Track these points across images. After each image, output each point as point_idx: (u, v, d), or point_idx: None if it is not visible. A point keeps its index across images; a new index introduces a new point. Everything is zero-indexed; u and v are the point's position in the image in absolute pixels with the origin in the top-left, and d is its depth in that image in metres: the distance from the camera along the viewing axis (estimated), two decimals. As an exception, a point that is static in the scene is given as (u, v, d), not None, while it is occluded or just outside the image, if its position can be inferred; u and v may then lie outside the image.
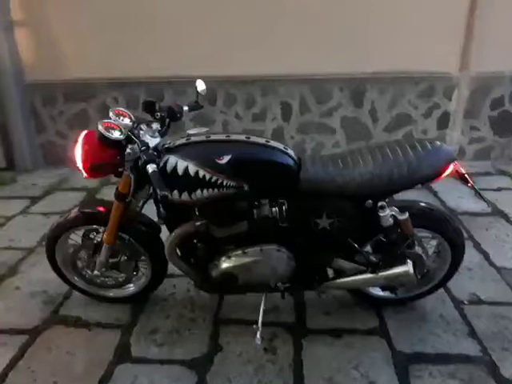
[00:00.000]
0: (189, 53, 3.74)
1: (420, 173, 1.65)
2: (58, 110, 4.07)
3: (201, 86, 1.92)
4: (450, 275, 2.01)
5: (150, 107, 1.76)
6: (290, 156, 1.68)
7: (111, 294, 2.11)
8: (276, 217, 1.71)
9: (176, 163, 1.60)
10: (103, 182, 3.58)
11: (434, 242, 1.99)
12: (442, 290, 2.14)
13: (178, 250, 1.83)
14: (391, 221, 1.71)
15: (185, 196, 1.61)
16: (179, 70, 3.75)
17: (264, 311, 1.87)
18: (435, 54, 3.69)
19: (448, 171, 1.68)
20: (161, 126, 1.75)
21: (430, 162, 1.66)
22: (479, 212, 3.08)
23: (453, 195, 3.32)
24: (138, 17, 3.70)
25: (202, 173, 1.58)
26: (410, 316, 2.05)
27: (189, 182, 1.60)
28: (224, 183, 1.59)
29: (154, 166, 1.46)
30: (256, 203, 1.72)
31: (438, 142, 1.73)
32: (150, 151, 1.54)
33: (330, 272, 1.93)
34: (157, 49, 3.77)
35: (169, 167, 1.60)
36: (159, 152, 1.64)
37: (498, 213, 3.06)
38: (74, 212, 1.91)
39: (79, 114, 4.03)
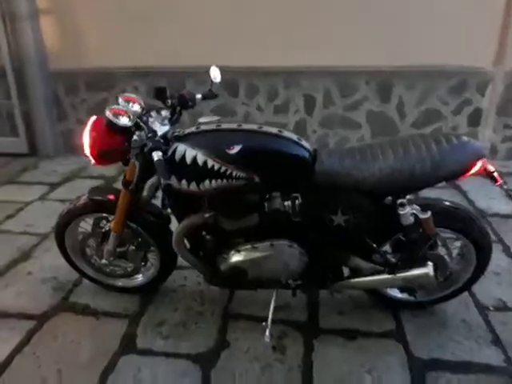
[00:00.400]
0: (212, 42, 3.68)
1: (444, 169, 1.53)
2: (80, 99, 4.09)
3: (215, 73, 1.85)
4: (474, 279, 1.88)
5: (160, 94, 1.70)
6: (303, 147, 1.59)
7: (120, 283, 2.09)
8: (288, 211, 1.63)
9: (185, 152, 1.54)
10: (120, 170, 3.56)
11: (458, 243, 1.87)
12: (465, 294, 2.01)
13: (186, 242, 1.78)
14: (412, 220, 1.60)
15: (193, 186, 1.55)
16: (201, 60, 3.63)
17: (275, 308, 1.80)
18: (469, 48, 3.51)
19: (475, 168, 1.55)
20: (171, 114, 1.70)
21: (455, 157, 1.54)
22: (511, 214, 2.91)
23: (483, 195, 3.14)
24: (161, 6, 3.66)
25: (210, 163, 1.51)
26: (430, 320, 1.94)
27: (197, 172, 1.53)
28: (233, 174, 1.52)
29: (160, 153, 1.40)
30: (267, 196, 1.64)
31: (466, 137, 1.61)
32: (157, 138, 1.49)
33: (346, 270, 1.83)
34: (179, 38, 3.72)
35: (177, 156, 1.54)
36: (168, 140, 1.59)
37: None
38: (84, 199, 1.88)
39: (100, 103, 4.03)
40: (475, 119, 3.82)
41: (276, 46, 3.64)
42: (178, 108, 1.73)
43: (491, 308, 2.02)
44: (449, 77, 3.70)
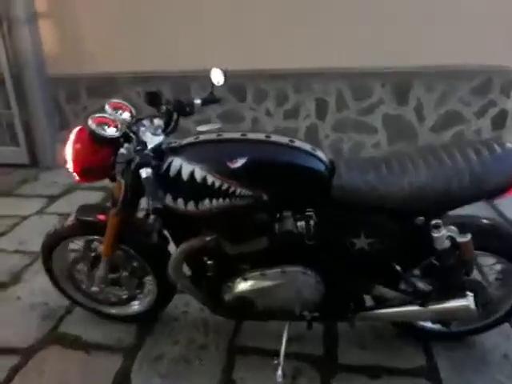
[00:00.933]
0: (216, 45, 3.47)
1: (487, 183, 1.29)
2: (81, 106, 3.92)
3: (217, 75, 1.64)
4: (517, 308, 1.63)
5: (153, 100, 1.49)
6: (319, 159, 1.37)
7: (114, 311, 1.87)
8: (302, 233, 1.40)
9: (181, 166, 1.32)
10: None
11: (497, 267, 1.62)
12: (505, 325, 1.76)
13: (185, 269, 1.56)
14: (448, 244, 1.36)
15: (191, 206, 1.34)
16: (206, 64, 3.45)
17: (287, 341, 1.58)
18: (492, 46, 3.25)
19: (524, 182, 1.31)
20: (167, 123, 1.49)
21: (499, 169, 1.30)
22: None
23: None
24: (162, 9, 3.48)
25: (210, 179, 1.29)
26: (466, 355, 1.69)
27: (195, 190, 1.32)
28: (237, 192, 1.30)
29: (150, 170, 1.20)
30: (277, 216, 1.42)
31: (509, 144, 1.37)
32: (147, 152, 1.28)
33: (368, 299, 1.60)
34: (181, 41, 3.54)
35: (172, 171, 1.33)
36: (162, 153, 1.38)
37: None
38: (71, 220, 1.67)
39: (102, 110, 3.84)
40: (500, 122, 3.55)
41: (284, 47, 3.42)
42: (175, 115, 1.52)
43: (534, 338, 1.77)
44: (471, 77, 3.45)
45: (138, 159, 1.25)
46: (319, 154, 1.39)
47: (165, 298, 1.79)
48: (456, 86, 3.48)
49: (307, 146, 1.38)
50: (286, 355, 1.55)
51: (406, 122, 3.61)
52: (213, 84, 1.65)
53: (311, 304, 1.53)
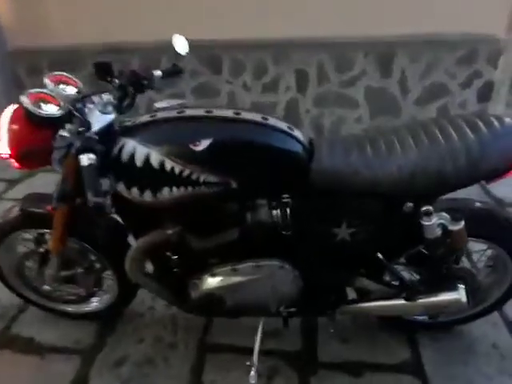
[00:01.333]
0: (190, 13, 3.20)
1: (485, 164, 1.14)
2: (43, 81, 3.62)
3: (180, 43, 1.43)
4: (508, 296, 1.52)
5: (103, 72, 1.28)
6: (296, 139, 1.19)
7: (70, 309, 1.69)
8: (277, 222, 1.24)
9: (134, 150, 1.13)
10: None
11: (488, 253, 1.50)
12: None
13: (145, 265, 1.39)
14: (439, 232, 1.22)
15: (148, 196, 1.15)
16: (179, 33, 3.23)
17: (263, 337, 1.44)
18: (478, 13, 3.06)
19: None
20: (121, 99, 1.28)
21: (499, 147, 1.15)
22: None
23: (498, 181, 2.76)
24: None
25: (169, 164, 1.11)
26: (453, 346, 1.58)
27: (151, 177, 1.14)
28: (201, 179, 1.12)
29: (92, 156, 1.00)
30: (250, 204, 1.25)
31: (509, 119, 1.22)
32: (89, 134, 1.08)
33: (351, 291, 1.46)
34: (153, 9, 3.25)
35: (125, 155, 1.14)
36: (114, 134, 1.18)
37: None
38: (15, 211, 1.47)
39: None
40: (486, 93, 3.41)
41: (261, 15, 3.17)
42: (131, 90, 1.31)
43: (526, 326, 1.68)
44: (456, 46, 3.28)
45: (78, 143, 1.05)
46: (296, 133, 1.21)
47: (128, 294, 1.62)
48: (441, 56, 3.31)
49: (283, 125, 1.20)
50: (261, 353, 1.42)
51: (389, 95, 3.44)
52: (176, 53, 1.45)
53: (288, 299, 1.38)
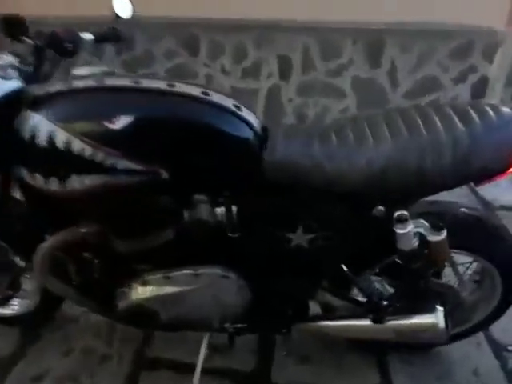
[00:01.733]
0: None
1: (476, 161, 0.91)
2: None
3: (122, 4, 1.20)
4: (496, 315, 1.31)
5: (13, 28, 1.03)
6: (245, 121, 0.96)
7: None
8: (221, 222, 1.01)
9: (38, 126, 0.89)
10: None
11: (474, 266, 1.29)
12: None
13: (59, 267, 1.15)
14: (415, 243, 1.00)
15: (54, 184, 0.92)
16: (154, 11, 2.96)
17: (209, 353, 1.23)
18: (476, 3, 2.85)
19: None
20: (37, 64, 1.03)
21: (493, 142, 0.93)
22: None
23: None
24: None
25: (77, 145, 0.87)
26: (429, 372, 1.38)
27: (57, 161, 0.90)
28: (120, 165, 0.89)
29: None
30: (187, 200, 1.02)
31: (507, 109, 1.00)
32: None
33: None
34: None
35: (27, 132, 0.90)
36: (18, 105, 0.94)
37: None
38: None
39: None
40: (480, 89, 3.20)
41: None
42: (48, 54, 1.06)
43: (511, 348, 1.47)
44: (451, 36, 3.06)
45: None
46: (245, 113, 0.98)
47: (53, 299, 1.38)
48: (434, 47, 3.09)
49: (228, 102, 0.96)
50: (206, 372, 1.21)
51: (377, 86, 3.22)
52: (116, 15, 1.21)
53: (233, 314, 1.15)
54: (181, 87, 0.94)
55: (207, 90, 0.96)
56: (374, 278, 1.18)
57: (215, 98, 0.95)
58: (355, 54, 3.16)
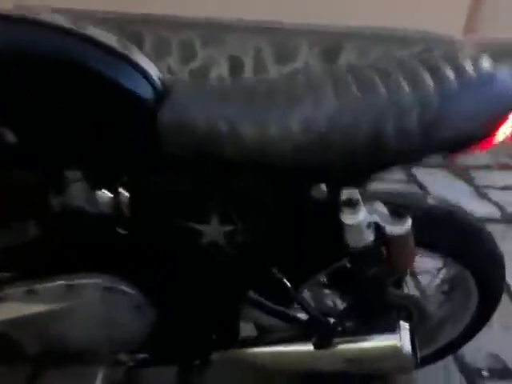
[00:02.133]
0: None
1: (447, 126, 0.67)
2: None
3: None
4: (469, 334, 1.07)
5: None
6: (136, 68, 0.69)
7: None
8: (106, 214, 0.72)
9: None
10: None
11: (444, 273, 1.06)
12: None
13: None
14: (370, 236, 0.74)
15: None
16: (92, 5, 2.70)
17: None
18: (435, 10, 2.79)
19: (507, 128, 0.72)
20: None
21: (470, 103, 0.69)
22: (486, 217, 2.17)
23: (448, 191, 2.37)
24: None
25: None
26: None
27: None
28: None
29: None
30: (55, 179, 0.72)
31: (487, 63, 0.78)
32: None
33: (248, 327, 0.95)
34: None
35: None
36: None
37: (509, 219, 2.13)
38: None
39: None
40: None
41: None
42: None
43: (485, 373, 1.24)
44: (409, 44, 2.98)
45: None
46: (139, 58, 0.70)
47: None
48: (392, 52, 3.01)
49: (110, 38, 0.69)
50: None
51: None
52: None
53: (129, 341, 0.85)
54: (46, 17, 0.66)
55: (84, 25, 0.68)
56: (318, 288, 0.91)
57: (91, 31, 0.67)
58: (310, 57, 3.04)
